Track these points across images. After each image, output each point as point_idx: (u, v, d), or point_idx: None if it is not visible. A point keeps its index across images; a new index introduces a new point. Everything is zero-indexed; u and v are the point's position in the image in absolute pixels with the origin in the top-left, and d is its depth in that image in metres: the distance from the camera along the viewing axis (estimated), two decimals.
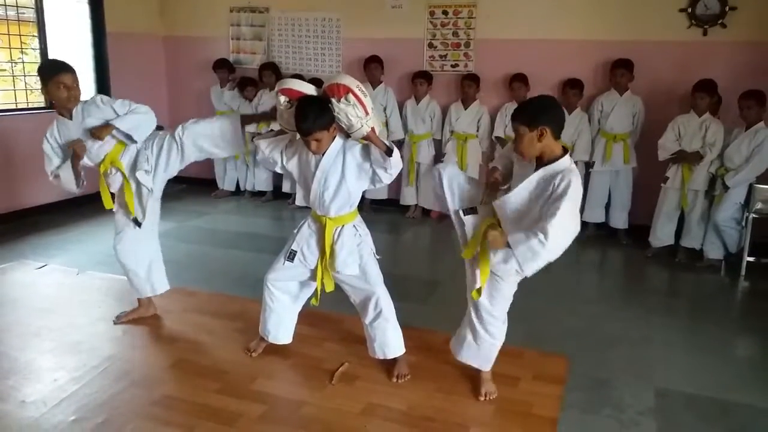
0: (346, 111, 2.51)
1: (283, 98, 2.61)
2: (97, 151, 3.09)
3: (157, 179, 3.19)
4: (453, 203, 2.57)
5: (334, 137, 2.62)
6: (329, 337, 3.24)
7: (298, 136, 2.64)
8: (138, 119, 3.08)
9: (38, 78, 3.02)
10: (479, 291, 2.53)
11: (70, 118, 3.04)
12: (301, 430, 2.47)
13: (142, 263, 3.32)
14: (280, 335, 3.01)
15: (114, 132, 3.04)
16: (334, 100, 2.52)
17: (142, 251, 3.31)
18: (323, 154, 2.62)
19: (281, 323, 2.99)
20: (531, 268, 2.27)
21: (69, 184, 3.11)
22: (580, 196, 2.28)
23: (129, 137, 3.07)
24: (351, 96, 2.50)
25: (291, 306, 3.00)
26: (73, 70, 3.01)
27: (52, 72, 2.96)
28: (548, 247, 2.17)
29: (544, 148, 2.30)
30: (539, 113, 2.29)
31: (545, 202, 2.25)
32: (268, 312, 2.97)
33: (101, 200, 3.20)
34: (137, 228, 3.22)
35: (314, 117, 2.49)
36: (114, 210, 3.27)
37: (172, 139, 3.14)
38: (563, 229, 2.18)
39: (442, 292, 4.08)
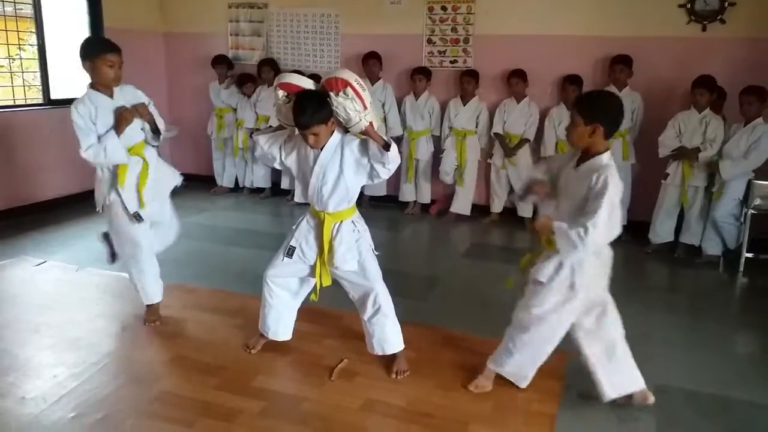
0: (345, 105, 2.51)
1: (281, 93, 2.61)
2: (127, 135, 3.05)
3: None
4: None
5: (333, 132, 2.61)
6: (328, 334, 3.24)
7: (296, 131, 2.64)
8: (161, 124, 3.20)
9: (82, 53, 2.92)
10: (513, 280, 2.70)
11: (110, 96, 3.01)
12: (301, 426, 2.47)
13: (128, 270, 3.31)
14: (279, 332, 3.00)
15: (146, 126, 3.10)
16: (332, 94, 2.51)
17: (125, 257, 3.30)
18: (322, 149, 2.61)
19: (281, 320, 2.99)
20: (567, 254, 2.42)
21: (116, 153, 2.97)
22: (620, 192, 2.35)
23: (156, 133, 3.13)
24: (349, 90, 2.50)
25: (290, 302, 3.00)
26: (120, 50, 2.99)
27: (103, 50, 2.94)
28: (586, 241, 2.29)
29: (592, 143, 2.39)
30: (599, 111, 2.37)
31: (586, 199, 2.34)
32: (268, 308, 2.96)
33: None
34: (138, 224, 3.14)
35: (312, 111, 2.49)
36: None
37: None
38: (600, 227, 2.28)
39: (442, 288, 4.07)
